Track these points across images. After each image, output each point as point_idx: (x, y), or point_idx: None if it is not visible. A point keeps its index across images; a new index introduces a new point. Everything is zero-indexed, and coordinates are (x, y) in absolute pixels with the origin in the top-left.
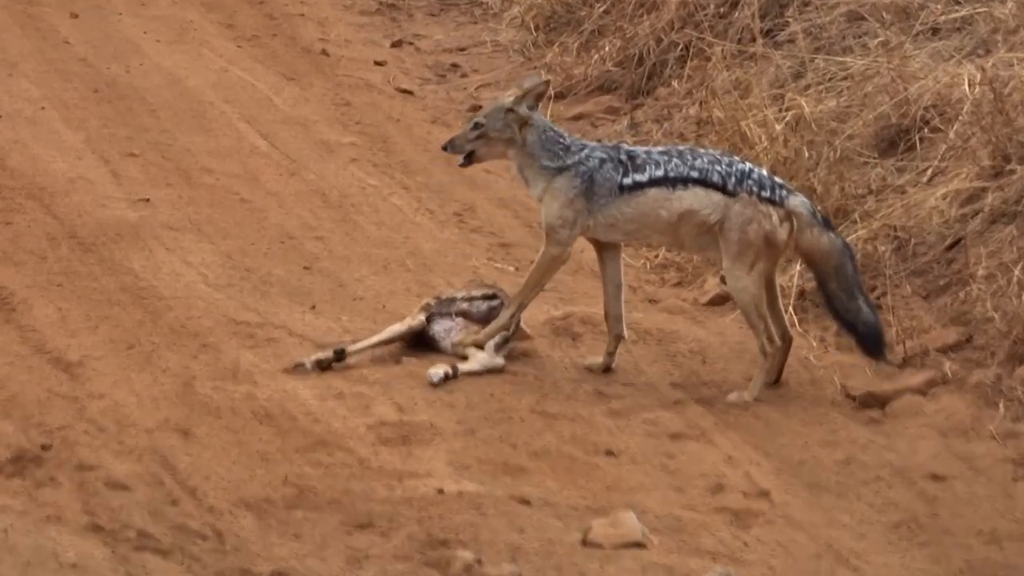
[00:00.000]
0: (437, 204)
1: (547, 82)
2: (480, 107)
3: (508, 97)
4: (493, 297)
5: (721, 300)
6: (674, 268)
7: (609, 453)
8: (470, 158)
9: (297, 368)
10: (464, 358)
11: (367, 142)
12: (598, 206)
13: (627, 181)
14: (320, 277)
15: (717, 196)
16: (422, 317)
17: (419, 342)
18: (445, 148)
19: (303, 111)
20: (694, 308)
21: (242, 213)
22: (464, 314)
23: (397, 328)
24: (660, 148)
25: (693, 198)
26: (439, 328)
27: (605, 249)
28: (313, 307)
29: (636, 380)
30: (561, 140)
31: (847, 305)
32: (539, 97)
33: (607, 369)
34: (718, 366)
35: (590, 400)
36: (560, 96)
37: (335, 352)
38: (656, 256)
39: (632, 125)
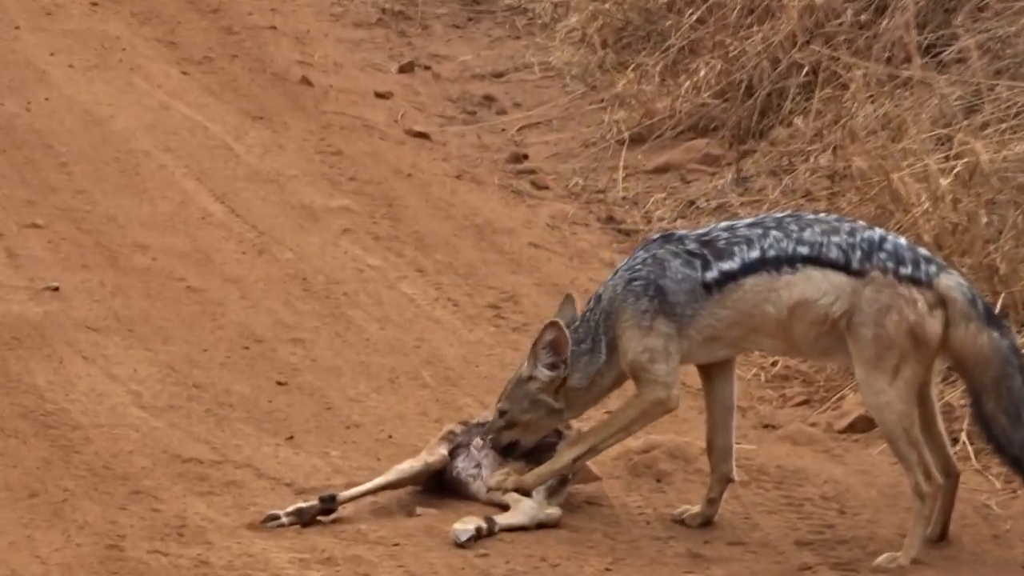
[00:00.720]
0: (465, 293)
1: (554, 325)
2: (525, 155)
3: (524, 366)
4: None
5: (866, 425)
6: (799, 380)
7: None
8: (512, 448)
9: (269, 523)
10: (504, 507)
11: (366, 206)
12: (686, 320)
13: (711, 275)
14: (300, 396)
15: (839, 278)
16: (443, 451)
17: (439, 485)
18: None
19: (275, 163)
20: (827, 436)
21: (190, 307)
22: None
23: (409, 466)
24: (746, 220)
25: (806, 283)
26: (466, 464)
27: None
28: (290, 438)
29: (747, 537)
30: (584, 326)
31: (1011, 434)
32: (556, 347)
33: (707, 522)
34: (862, 517)
35: (682, 566)
36: (637, 140)
37: (322, 500)
38: (774, 364)
39: (739, 180)
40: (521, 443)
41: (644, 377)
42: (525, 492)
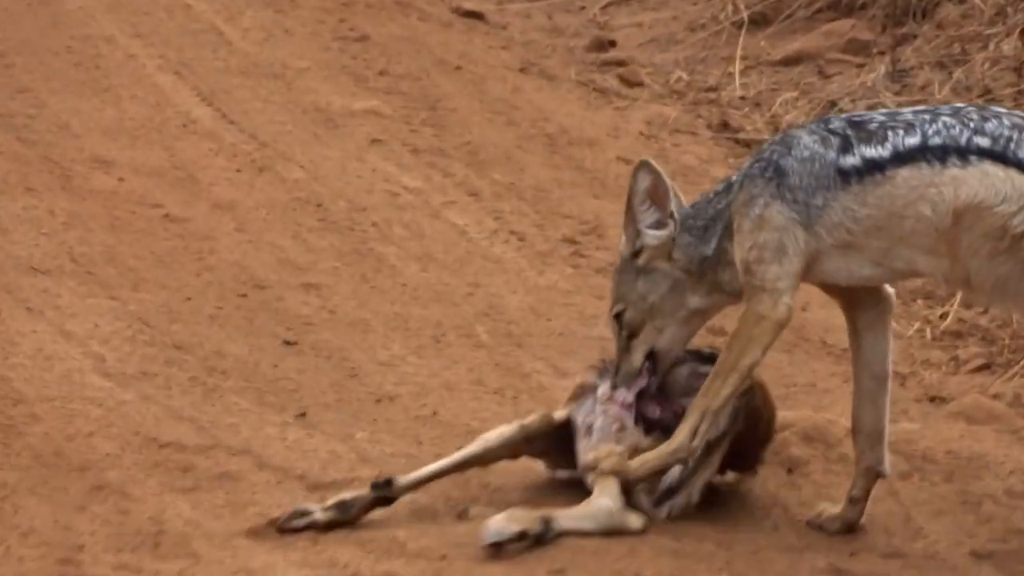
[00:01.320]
0: (533, 223)
1: (646, 167)
2: (612, 42)
3: (623, 244)
4: (710, 359)
5: None
6: (977, 338)
7: None
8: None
9: (294, 522)
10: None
11: (400, 109)
12: (813, 211)
13: (850, 160)
14: (315, 359)
15: None
16: (562, 412)
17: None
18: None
19: (280, 51)
20: (1014, 412)
21: (168, 242)
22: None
23: (498, 435)
24: (919, 108)
25: (981, 181)
26: (583, 414)
27: (856, 305)
28: (302, 415)
29: (907, 547)
30: (702, 205)
31: None
32: (654, 194)
33: (850, 528)
34: None
35: None
36: (760, 22)
37: (375, 487)
38: (943, 316)
39: (894, 74)
40: (661, 353)
41: (750, 283)
42: (626, 482)
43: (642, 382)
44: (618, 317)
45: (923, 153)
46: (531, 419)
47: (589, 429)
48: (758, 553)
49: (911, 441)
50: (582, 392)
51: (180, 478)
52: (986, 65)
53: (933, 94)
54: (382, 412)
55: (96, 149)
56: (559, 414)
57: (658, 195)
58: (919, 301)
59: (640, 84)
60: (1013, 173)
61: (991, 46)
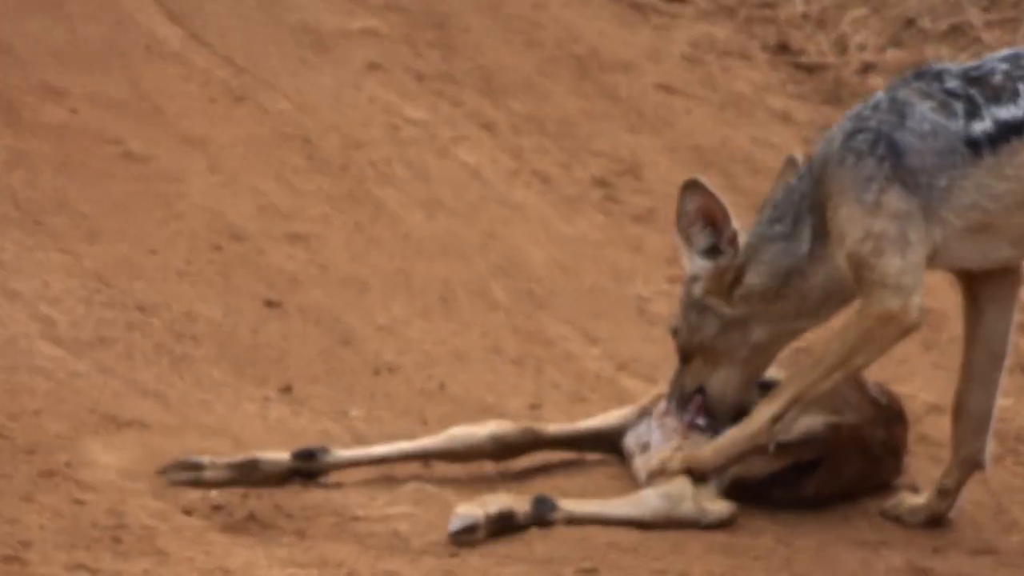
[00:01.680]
0: (558, 162)
1: (693, 186)
2: None
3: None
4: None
5: None
6: None
7: None
8: (699, 405)
9: (171, 476)
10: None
11: (403, 27)
12: (936, 195)
13: (981, 127)
14: (302, 324)
15: None
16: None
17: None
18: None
19: None
20: None
21: (130, 185)
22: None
23: (469, 437)
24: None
25: None
26: (637, 436)
27: (978, 274)
28: (287, 389)
29: (999, 543)
30: (786, 200)
31: None
32: (713, 219)
33: (936, 520)
34: None
35: None
36: None
37: (297, 456)
38: None
39: None
40: (709, 392)
41: (867, 278)
42: (700, 476)
43: (696, 407)
44: (674, 334)
45: None
46: (508, 429)
47: (645, 447)
48: (824, 549)
49: (1004, 419)
50: (646, 409)
51: (144, 463)
52: None
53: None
54: (381, 385)
55: (45, 76)
56: (553, 428)
57: (710, 214)
58: None
59: (684, 0)
60: None
61: None
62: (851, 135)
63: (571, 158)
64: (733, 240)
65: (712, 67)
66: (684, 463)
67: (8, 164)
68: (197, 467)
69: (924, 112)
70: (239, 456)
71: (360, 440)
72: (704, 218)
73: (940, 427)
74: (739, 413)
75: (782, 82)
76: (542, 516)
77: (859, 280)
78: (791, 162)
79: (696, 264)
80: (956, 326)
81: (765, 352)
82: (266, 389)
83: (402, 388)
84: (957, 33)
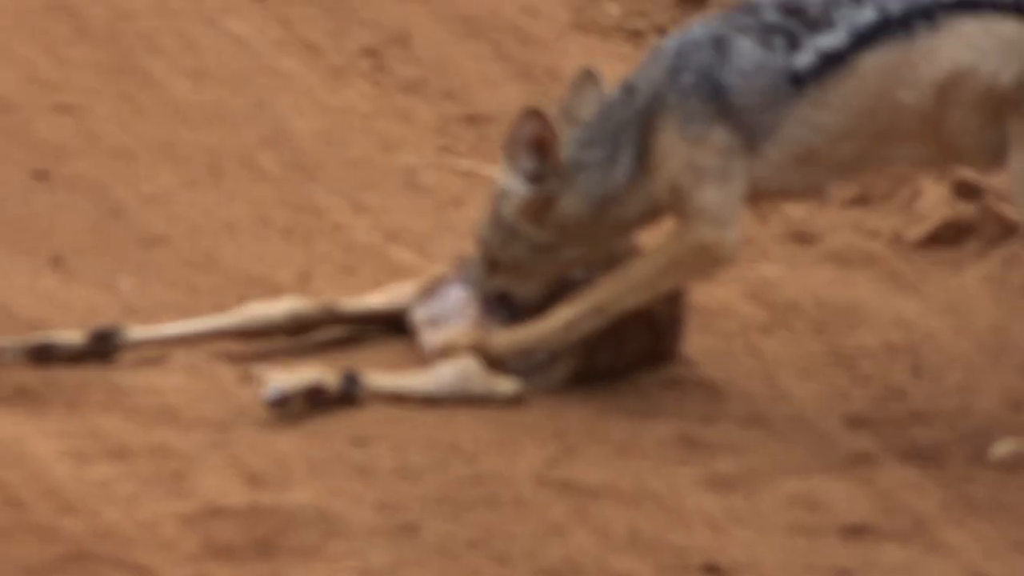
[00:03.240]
0: (326, 31)
1: (534, 116)
2: None
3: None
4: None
5: (954, 235)
6: None
7: (712, 571)
8: (505, 302)
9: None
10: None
11: None
12: (761, 131)
13: (804, 60)
14: (70, 196)
15: (1008, 27)
16: (374, 300)
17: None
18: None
19: None
20: (894, 253)
21: None
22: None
23: (267, 314)
24: None
25: (957, 43)
26: (431, 308)
27: None
28: (57, 260)
29: (771, 412)
30: (602, 124)
31: None
32: (544, 150)
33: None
34: (950, 380)
35: (669, 456)
36: None
37: (94, 337)
38: None
39: None
40: (517, 295)
41: (685, 208)
42: (493, 360)
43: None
44: (479, 242)
45: (885, 28)
46: (308, 305)
47: (435, 324)
48: (594, 420)
49: (774, 288)
50: (433, 286)
51: None
52: None
53: None
54: (151, 256)
55: None
56: (352, 304)
57: (542, 145)
58: None
59: None
60: (988, 20)
61: None
62: (675, 73)
63: (340, 28)
64: (557, 171)
65: None
66: (473, 344)
67: None
68: None
69: (745, 48)
70: (33, 339)
71: (130, 310)
72: (535, 146)
73: (712, 296)
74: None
75: None
76: (350, 390)
77: (677, 209)
78: (589, 76)
79: (513, 185)
80: None
81: (572, 266)
82: (35, 261)
83: (171, 259)
84: None
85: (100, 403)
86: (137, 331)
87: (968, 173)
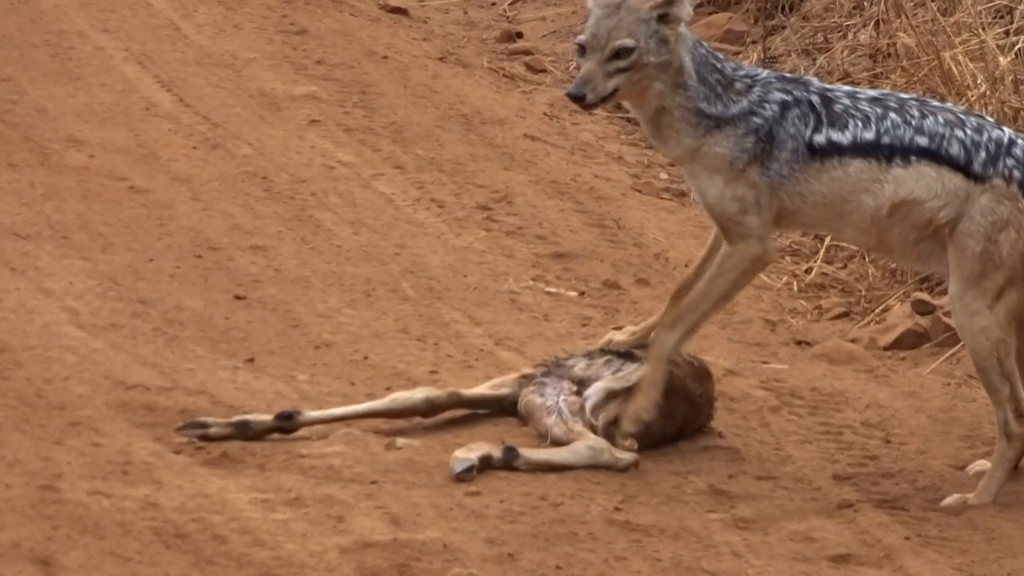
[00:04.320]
0: (451, 192)
1: None
2: (519, 33)
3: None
4: (630, 356)
5: (914, 340)
6: (837, 290)
7: None
8: (607, 100)
9: (183, 430)
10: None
11: (335, 93)
12: (778, 179)
13: (820, 140)
14: (261, 312)
15: (955, 180)
16: (514, 385)
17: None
18: (578, 97)
19: (230, 44)
20: (870, 354)
21: (133, 211)
22: (579, 382)
23: (409, 399)
24: (872, 92)
25: (917, 182)
26: (550, 392)
27: None
28: (250, 360)
29: (777, 471)
30: (718, 66)
31: None
32: None
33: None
34: (910, 447)
35: (703, 505)
36: None
37: (279, 416)
38: (808, 271)
39: (766, 60)
40: (619, 94)
41: (735, 228)
42: (648, 413)
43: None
44: (621, 51)
45: (875, 149)
46: (439, 394)
47: (555, 408)
48: (647, 476)
49: (780, 380)
50: (526, 380)
51: (145, 416)
52: (845, 52)
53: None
54: (320, 357)
55: (70, 130)
56: (471, 392)
57: None
58: (787, 257)
59: (544, 71)
60: (944, 171)
61: (850, 35)
62: (756, 108)
63: (460, 189)
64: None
65: (565, 122)
66: (635, 419)
67: (43, 195)
68: (204, 426)
69: (793, 118)
70: (234, 418)
71: (304, 397)
72: None
73: (734, 386)
74: None
75: (617, 132)
76: (509, 461)
77: (726, 230)
78: None
79: (682, 7)
80: (745, 311)
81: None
82: (235, 360)
83: (336, 359)
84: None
85: (282, 464)
86: (312, 413)
87: (924, 295)
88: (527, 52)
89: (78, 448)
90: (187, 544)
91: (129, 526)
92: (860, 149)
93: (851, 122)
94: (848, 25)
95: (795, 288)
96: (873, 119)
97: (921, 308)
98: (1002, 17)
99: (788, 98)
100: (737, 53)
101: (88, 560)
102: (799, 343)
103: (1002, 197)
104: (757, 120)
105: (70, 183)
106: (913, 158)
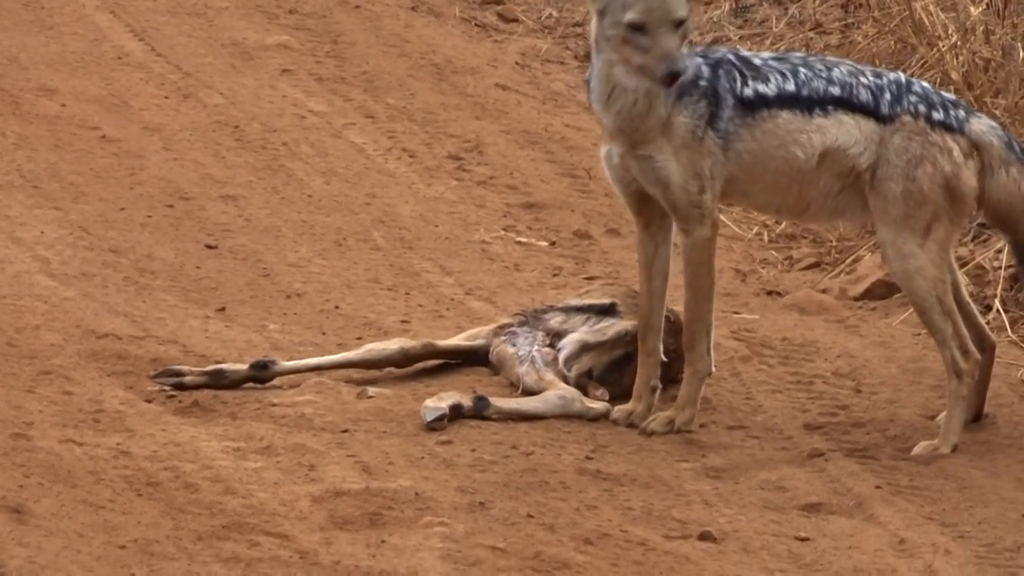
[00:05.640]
0: (422, 141)
1: None
2: None
3: None
4: (609, 310)
5: (884, 291)
6: (808, 240)
7: (705, 538)
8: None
9: (159, 378)
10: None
11: (307, 43)
12: (724, 139)
13: (748, 93)
14: (232, 261)
15: (869, 125)
16: (489, 336)
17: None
18: (679, 74)
19: None
20: (840, 304)
21: (104, 160)
22: (554, 335)
23: (384, 349)
24: (770, 54)
25: (839, 129)
26: (522, 342)
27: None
28: (222, 309)
29: (749, 420)
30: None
31: None
32: None
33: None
34: (880, 397)
35: (674, 454)
36: None
37: (254, 366)
38: (779, 222)
39: (737, 10)
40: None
41: (689, 212)
42: (685, 429)
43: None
44: (680, 22)
45: (797, 101)
46: (413, 344)
47: (528, 357)
48: (618, 427)
49: (751, 330)
50: (501, 331)
51: (116, 364)
52: (817, 2)
53: (772, 28)
54: (291, 307)
55: (42, 79)
56: (446, 343)
57: None
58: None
59: (516, 20)
60: (858, 118)
61: None
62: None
63: (431, 139)
64: None
65: (537, 71)
66: (670, 424)
67: (14, 145)
68: (179, 374)
69: (723, 73)
70: (209, 366)
71: (276, 346)
72: None
73: None
74: None
75: None
76: (480, 410)
77: (683, 214)
78: None
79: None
80: (716, 262)
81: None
82: (206, 310)
83: (307, 309)
84: (718, 45)
85: (254, 413)
86: (287, 363)
87: None
88: (499, 2)
89: (49, 397)
90: (159, 492)
91: (101, 474)
92: (785, 101)
93: (772, 75)
94: None
95: (766, 239)
96: (789, 73)
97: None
98: None
99: (711, 59)
100: (709, 3)
101: (60, 508)
102: (770, 293)
103: (912, 133)
104: (702, 82)
105: (41, 132)
106: (830, 107)
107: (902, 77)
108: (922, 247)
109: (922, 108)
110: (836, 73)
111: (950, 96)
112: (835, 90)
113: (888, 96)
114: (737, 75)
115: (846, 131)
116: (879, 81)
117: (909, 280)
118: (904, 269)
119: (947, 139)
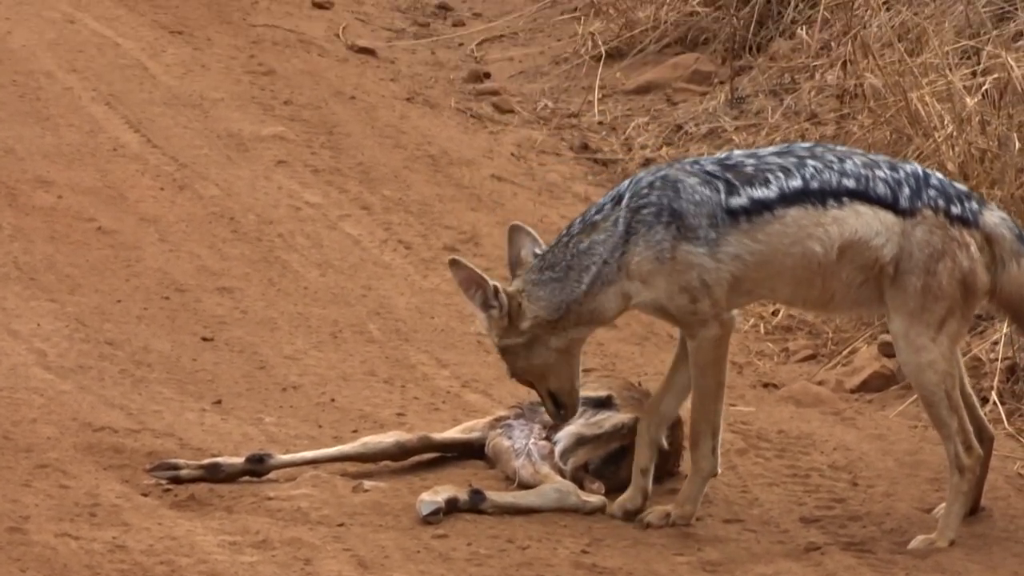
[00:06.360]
0: (418, 233)
1: (454, 264)
2: (487, 74)
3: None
4: (606, 403)
5: (881, 383)
6: (804, 332)
7: None
8: (562, 411)
9: (155, 471)
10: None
11: (302, 134)
12: (709, 247)
13: (740, 202)
14: (228, 353)
15: (889, 218)
16: (485, 429)
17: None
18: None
19: (198, 84)
20: (837, 396)
21: (100, 252)
22: (551, 428)
23: (379, 443)
24: (771, 149)
25: (857, 220)
26: (518, 435)
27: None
28: (218, 402)
29: (745, 514)
30: (557, 253)
31: None
32: (467, 284)
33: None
34: (877, 490)
35: (670, 548)
36: (615, 56)
37: (250, 459)
38: (775, 313)
39: (733, 101)
40: (561, 392)
41: (690, 319)
42: (682, 523)
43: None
44: (511, 376)
45: (806, 195)
46: (409, 438)
47: (524, 451)
48: (615, 521)
49: (747, 422)
50: (497, 423)
51: (113, 458)
52: (812, 92)
53: (767, 119)
54: (287, 399)
55: (38, 170)
56: (441, 436)
57: (470, 283)
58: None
59: (511, 111)
60: (878, 210)
61: (817, 76)
62: (637, 211)
63: (427, 230)
64: (496, 295)
65: (532, 162)
66: (667, 518)
67: (11, 236)
68: (175, 467)
69: (693, 185)
70: (206, 460)
71: (272, 439)
72: (465, 285)
73: None
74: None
75: (584, 173)
76: (476, 504)
77: (684, 325)
78: (518, 228)
79: (482, 319)
80: None
81: (570, 350)
82: (202, 402)
83: (303, 401)
84: (713, 135)
85: (250, 507)
86: (283, 456)
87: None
88: (495, 92)
89: (46, 490)
90: None
91: (97, 568)
92: (790, 199)
93: (771, 176)
94: (815, 65)
95: (762, 330)
96: (794, 167)
97: (888, 350)
98: (969, 58)
99: (675, 175)
100: (704, 94)
101: None
102: (766, 385)
103: (933, 227)
104: (645, 210)
105: (37, 224)
106: (845, 199)
107: (919, 169)
108: (935, 340)
109: (941, 203)
110: (849, 166)
111: (962, 187)
112: (849, 183)
113: (907, 190)
114: (721, 186)
115: (865, 223)
116: (896, 174)
117: (920, 373)
118: (916, 362)
119: (965, 234)
